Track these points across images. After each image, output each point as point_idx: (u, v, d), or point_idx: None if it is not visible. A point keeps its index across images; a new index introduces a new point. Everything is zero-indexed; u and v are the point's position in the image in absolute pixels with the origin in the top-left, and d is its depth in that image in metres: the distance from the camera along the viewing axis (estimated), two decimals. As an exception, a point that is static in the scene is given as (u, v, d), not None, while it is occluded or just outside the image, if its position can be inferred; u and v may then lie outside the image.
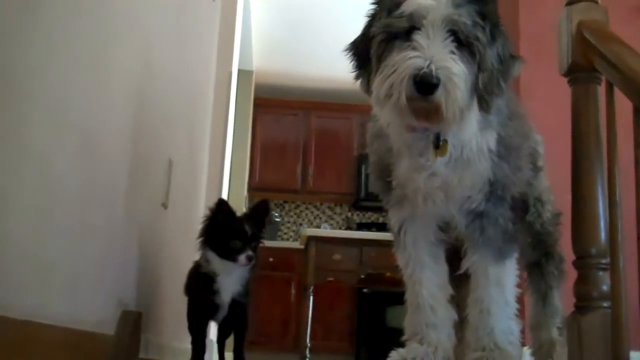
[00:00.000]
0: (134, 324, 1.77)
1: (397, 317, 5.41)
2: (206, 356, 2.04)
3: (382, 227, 6.76)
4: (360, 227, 7.27)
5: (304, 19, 6.19)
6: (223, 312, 2.01)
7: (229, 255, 1.96)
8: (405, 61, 1.41)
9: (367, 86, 1.55)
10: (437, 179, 1.62)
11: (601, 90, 1.78)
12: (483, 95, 1.49)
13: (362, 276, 4.93)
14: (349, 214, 7.62)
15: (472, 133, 1.60)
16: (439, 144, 1.59)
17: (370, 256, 4.70)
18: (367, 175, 6.90)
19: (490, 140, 1.63)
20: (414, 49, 1.41)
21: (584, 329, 1.63)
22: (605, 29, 1.75)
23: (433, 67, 1.38)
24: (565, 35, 1.82)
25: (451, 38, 1.44)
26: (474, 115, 1.55)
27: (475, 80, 1.47)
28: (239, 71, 6.00)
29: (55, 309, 1.30)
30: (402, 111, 1.44)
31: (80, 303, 1.48)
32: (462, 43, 1.45)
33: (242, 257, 1.95)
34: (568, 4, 1.82)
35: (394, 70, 1.42)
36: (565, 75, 1.84)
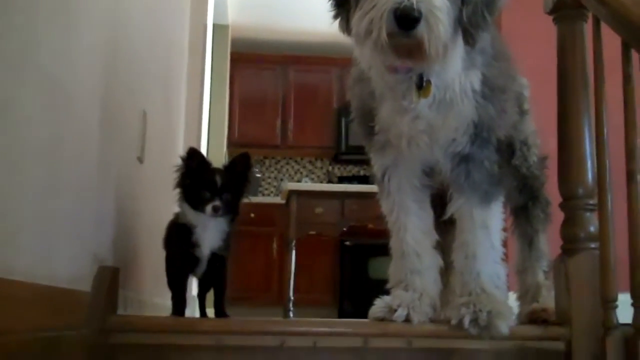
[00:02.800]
0: (111, 280, 1.72)
1: (380, 269, 5.44)
2: (187, 312, 2.00)
3: (363, 180, 6.74)
4: (342, 180, 7.24)
5: (279, -30, 6.05)
6: (202, 266, 1.96)
7: (198, 205, 1.90)
8: None
9: (346, 25, 1.49)
10: (421, 122, 1.58)
11: (587, 27, 1.74)
12: (468, 29, 1.43)
13: (345, 229, 4.91)
14: (330, 168, 7.58)
15: (456, 73, 1.55)
16: (422, 85, 1.54)
17: (352, 209, 4.67)
18: (347, 129, 6.95)
19: (475, 80, 1.58)
20: None
21: (571, 271, 1.61)
22: (592, -37, 1.69)
23: (414, 0, 1.31)
24: (550, -29, 1.76)
25: None
26: (458, 52, 1.50)
27: (459, 14, 1.41)
28: (215, 25, 5.88)
29: (25, 265, 1.24)
30: (382, 49, 1.38)
31: (53, 259, 1.42)
32: None
33: (209, 207, 1.88)
34: (553, -63, 1.76)
35: (374, 5, 1.35)
36: (550, 13, 1.80)
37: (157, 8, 2.70)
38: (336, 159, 7.43)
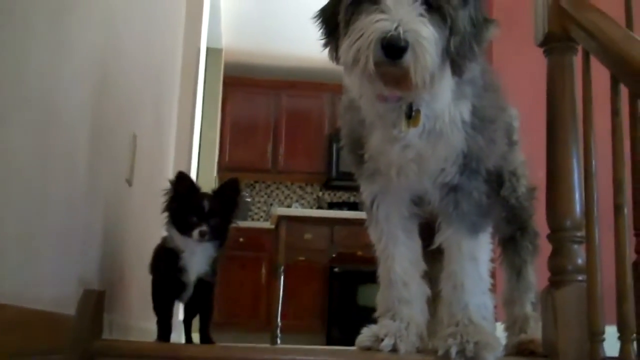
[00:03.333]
0: (96, 303, 1.70)
1: (368, 296, 5.40)
2: (173, 337, 1.98)
3: (353, 207, 6.75)
4: (332, 206, 7.24)
5: (273, -4, 6.10)
6: (189, 292, 1.95)
7: (185, 230, 1.90)
8: (372, 24, 1.35)
9: (335, 53, 1.50)
10: (411, 151, 1.58)
11: (577, 60, 1.75)
12: (455, 60, 1.44)
13: (334, 255, 4.91)
14: (320, 194, 7.59)
15: (446, 103, 1.56)
16: (411, 114, 1.54)
17: (341, 235, 4.68)
18: (338, 155, 6.96)
19: (465, 111, 1.58)
20: (382, 12, 1.36)
21: (558, 303, 1.61)
22: (581, -2, 1.71)
23: (401, 30, 1.32)
24: (541, 5, 1.78)
25: (420, 1, 1.38)
26: (447, 83, 1.51)
27: (447, 44, 1.42)
28: (208, 49, 5.91)
29: (8, 287, 1.23)
30: (370, 77, 1.39)
31: (37, 281, 1.41)
32: (432, 6, 1.40)
33: (195, 232, 1.88)
34: (544, -29, 1.78)
35: (361, 35, 1.37)
36: (541, 45, 1.81)
37: (150, 30, 2.71)
38: (327, 185, 7.44)
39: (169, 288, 1.93)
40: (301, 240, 4.61)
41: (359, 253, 4.90)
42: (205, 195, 1.95)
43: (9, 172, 1.22)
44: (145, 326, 2.55)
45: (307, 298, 6.33)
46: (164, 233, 1.99)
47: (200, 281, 1.94)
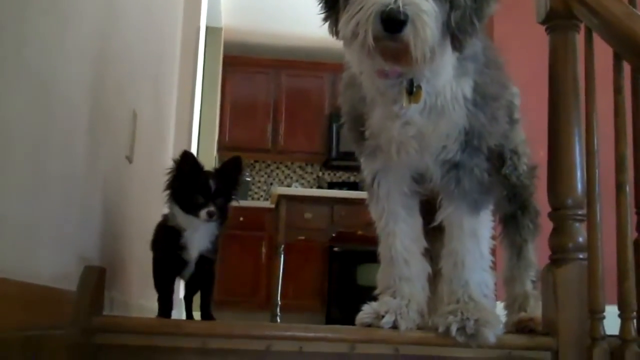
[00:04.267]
0: (97, 280, 1.70)
1: (367, 275, 5.43)
2: (174, 314, 1.98)
3: (353, 186, 6.75)
4: (332, 186, 7.24)
5: (274, -26, 6.05)
6: (190, 269, 1.95)
7: (191, 209, 1.89)
8: None
9: (334, 28, 1.48)
10: (412, 128, 1.57)
11: (579, 38, 1.74)
12: (456, 35, 1.42)
13: (333, 234, 4.91)
14: (320, 173, 7.58)
15: (447, 80, 1.55)
16: (412, 91, 1.53)
17: (341, 215, 4.67)
18: (338, 135, 6.95)
19: (466, 87, 1.57)
20: None
21: (559, 281, 1.61)
22: (584, -26, 1.70)
23: (400, 3, 1.31)
24: (543, -19, 1.76)
25: None
26: (448, 59, 1.50)
27: (447, 19, 1.40)
28: (208, 28, 5.88)
29: (9, 261, 1.23)
30: (369, 52, 1.38)
31: (38, 257, 1.40)
32: None
33: (203, 212, 1.88)
34: (547, -52, 1.76)
35: (360, 8, 1.35)
36: (543, 23, 1.80)
37: (150, 8, 2.69)
38: (326, 165, 7.43)
39: (170, 265, 1.93)
40: (301, 219, 4.60)
41: (359, 232, 4.91)
42: (210, 174, 1.94)
43: (7, 147, 1.22)
44: (146, 303, 2.56)
45: (306, 277, 6.35)
46: (165, 211, 1.99)
47: (201, 258, 1.94)
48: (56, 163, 1.50)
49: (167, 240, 1.93)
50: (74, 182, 1.67)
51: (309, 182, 7.60)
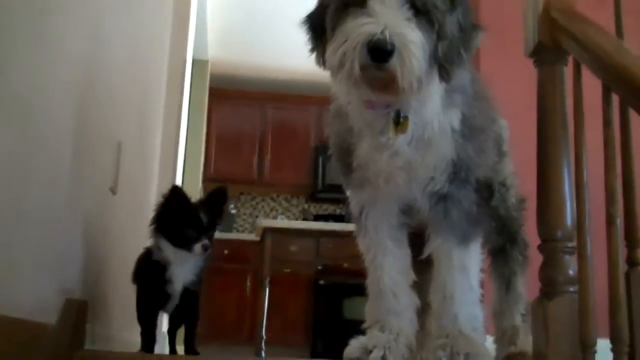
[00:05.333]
0: (79, 313, 1.66)
1: (354, 309, 5.39)
2: (157, 348, 1.94)
3: (339, 219, 6.72)
4: (318, 218, 7.21)
5: (261, 8, 6.09)
6: (174, 302, 1.92)
7: (184, 244, 1.87)
8: (359, 28, 1.33)
9: (321, 58, 1.47)
10: (399, 159, 1.55)
11: (567, 71, 1.74)
12: (443, 65, 1.42)
13: (319, 267, 4.87)
14: (306, 206, 7.55)
15: (435, 111, 1.54)
16: (399, 121, 1.52)
17: (327, 247, 4.64)
18: (324, 167, 6.93)
19: (454, 119, 1.57)
20: (368, 15, 1.34)
21: (550, 315, 1.58)
22: (572, 8, 1.70)
23: (387, 34, 1.30)
24: (531, 15, 1.77)
25: (407, 5, 1.37)
26: (435, 90, 1.49)
27: (435, 49, 1.40)
28: (194, 60, 5.88)
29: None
30: (356, 82, 1.37)
31: (18, 290, 1.37)
32: (420, 10, 1.38)
33: (197, 246, 1.86)
34: (535, -19, 1.77)
35: (347, 38, 1.35)
36: (531, 55, 1.80)
37: (137, 39, 2.68)
38: (312, 197, 7.41)
39: (154, 299, 1.90)
40: (287, 252, 4.57)
41: (345, 265, 4.88)
42: (200, 207, 1.93)
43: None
44: (128, 337, 2.50)
45: (292, 311, 6.28)
46: (148, 244, 1.96)
47: (186, 291, 1.91)
48: (38, 194, 1.48)
49: (151, 273, 1.90)
50: (57, 213, 1.64)
51: (294, 214, 7.57)
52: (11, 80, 1.27)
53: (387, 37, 1.31)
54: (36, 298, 1.50)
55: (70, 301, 1.66)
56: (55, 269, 1.66)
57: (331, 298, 6.27)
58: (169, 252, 1.89)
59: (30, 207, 1.42)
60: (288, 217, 7.48)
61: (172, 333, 2.06)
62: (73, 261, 1.85)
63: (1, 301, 1.26)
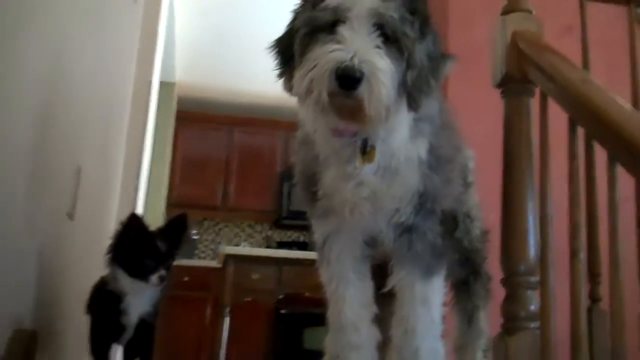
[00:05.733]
0: (28, 344, 1.60)
1: (315, 339, 5.30)
2: (110, 380, 1.87)
3: (302, 246, 6.67)
4: (281, 245, 7.13)
5: (229, 32, 6.08)
6: (129, 334, 1.85)
7: (140, 274, 1.82)
8: (327, 54, 1.31)
9: (289, 83, 1.45)
10: (365, 189, 1.53)
11: (534, 102, 1.74)
12: (412, 94, 1.40)
13: (281, 296, 4.82)
14: (270, 232, 7.49)
15: (402, 140, 1.52)
16: (366, 150, 1.50)
17: (289, 276, 4.61)
18: (289, 193, 6.88)
19: (422, 149, 1.54)
20: (338, 42, 1.32)
21: (511, 351, 1.56)
22: (540, 40, 1.71)
23: (356, 61, 1.28)
24: (499, 46, 1.77)
25: (377, 32, 1.35)
26: (404, 119, 1.47)
27: (403, 78, 1.38)
28: (161, 83, 5.84)
29: None
30: (323, 109, 1.35)
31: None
32: (389, 38, 1.36)
33: (154, 277, 1.81)
34: (503, 13, 1.78)
35: (316, 64, 1.33)
36: (498, 86, 1.80)
37: (101, 62, 2.63)
38: (277, 224, 7.35)
39: (108, 330, 1.84)
40: (249, 280, 4.52)
41: (307, 294, 4.83)
42: (159, 236, 1.87)
43: None
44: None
45: (252, 340, 6.15)
46: (103, 273, 1.90)
47: (141, 322, 1.85)
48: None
49: (106, 304, 1.84)
50: (9, 239, 1.57)
51: (258, 241, 7.50)
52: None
53: (356, 64, 1.29)
54: (-18, 328, 1.43)
55: (18, 332, 1.59)
56: (6, 296, 1.59)
57: (292, 327, 6.17)
58: (125, 282, 1.83)
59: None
60: (251, 244, 7.40)
61: (125, 365, 1.99)
62: (25, 289, 1.78)
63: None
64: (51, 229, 2.02)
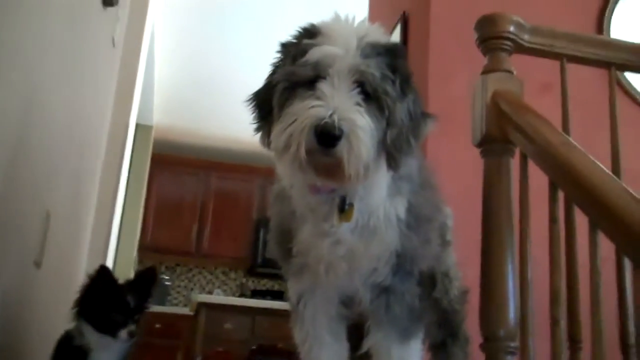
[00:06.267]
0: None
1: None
2: None
3: (277, 295, 6.58)
4: (255, 294, 7.04)
5: (208, 77, 6.09)
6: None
7: (109, 329, 1.75)
8: (307, 110, 1.29)
9: (267, 138, 1.42)
10: (342, 247, 1.49)
11: (514, 163, 1.73)
12: (391, 153, 1.38)
13: (254, 347, 4.72)
14: (244, 280, 7.39)
15: (381, 199, 1.49)
16: (344, 208, 1.46)
17: (263, 326, 4.53)
18: (265, 241, 6.80)
19: (400, 208, 1.51)
20: (318, 98, 1.30)
21: (493, 419, 1.51)
22: (520, 100, 1.71)
23: (336, 118, 1.26)
24: (479, 105, 1.76)
25: (358, 90, 1.33)
26: (383, 178, 1.45)
27: (384, 136, 1.36)
28: (138, 125, 5.80)
29: None
30: (301, 165, 1.32)
31: None
32: (370, 96, 1.35)
33: (123, 332, 1.74)
34: (484, 72, 1.77)
35: (294, 120, 1.30)
36: (478, 145, 1.78)
37: (77, 104, 2.59)
38: (251, 271, 7.26)
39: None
40: (221, 329, 4.43)
41: (279, 346, 4.73)
42: (128, 290, 1.81)
43: None
44: None
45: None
46: (68, 327, 1.82)
47: (109, 378, 1.77)
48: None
49: (70, 360, 1.76)
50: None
51: (231, 288, 7.39)
52: None
53: (336, 121, 1.27)
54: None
55: (-25, 388, 1.51)
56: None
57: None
58: (92, 337, 1.76)
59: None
60: (225, 292, 7.29)
61: None
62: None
63: None
64: (17, 277, 1.95)
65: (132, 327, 1.75)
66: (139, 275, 1.87)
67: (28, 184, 1.92)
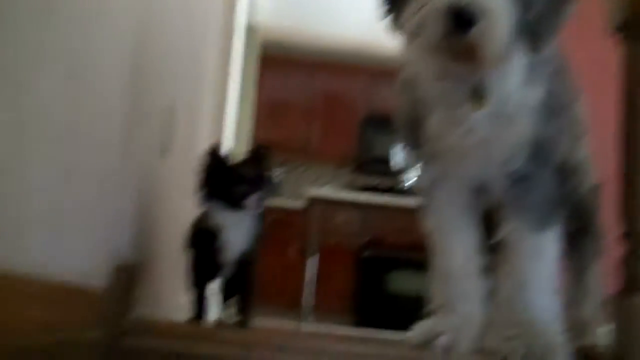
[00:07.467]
0: (129, 278, 1.61)
1: (398, 283, 5.26)
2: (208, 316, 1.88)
3: (386, 191, 6.59)
4: (364, 190, 7.07)
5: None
6: (227, 271, 1.84)
7: (235, 201, 1.78)
8: None
9: (396, 23, 1.36)
10: (475, 136, 1.44)
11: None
12: (533, 35, 1.30)
13: (365, 240, 4.78)
14: (353, 177, 7.43)
15: (516, 85, 1.41)
16: (477, 95, 1.40)
17: (373, 220, 4.54)
18: (373, 138, 6.79)
19: (537, 95, 1.44)
20: None
21: (632, 311, 1.46)
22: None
23: None
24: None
25: None
26: (520, 63, 1.37)
27: (522, 17, 1.27)
28: (246, 26, 5.79)
29: (34, 259, 1.12)
30: (435, 50, 1.26)
31: (66, 253, 1.30)
32: None
33: (249, 201, 1.77)
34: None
35: (428, 2, 1.23)
36: (616, 32, 1.66)
37: (190, 6, 2.61)
38: (360, 168, 7.28)
39: (206, 269, 1.83)
40: (332, 223, 4.49)
41: (391, 239, 4.77)
42: (242, 164, 1.84)
43: (38, 136, 1.12)
44: (178, 301, 2.45)
45: (335, 282, 6.16)
46: (199, 211, 1.88)
47: (241, 260, 1.83)
48: (88, 152, 1.40)
49: (203, 243, 1.82)
50: (107, 175, 1.56)
51: (341, 184, 7.46)
52: (56, 33, 1.19)
53: (472, 2, 1.20)
54: (86, 262, 1.44)
55: (120, 266, 1.60)
56: (106, 231, 1.59)
57: (376, 271, 6.07)
58: (220, 215, 1.80)
59: (79, 167, 1.34)
60: (334, 187, 7.37)
61: (225, 303, 1.98)
62: (124, 223, 1.78)
63: (50, 266, 1.20)
64: (146, 167, 2.02)
65: (255, 195, 1.77)
66: (250, 152, 1.90)
67: (152, 80, 1.95)
